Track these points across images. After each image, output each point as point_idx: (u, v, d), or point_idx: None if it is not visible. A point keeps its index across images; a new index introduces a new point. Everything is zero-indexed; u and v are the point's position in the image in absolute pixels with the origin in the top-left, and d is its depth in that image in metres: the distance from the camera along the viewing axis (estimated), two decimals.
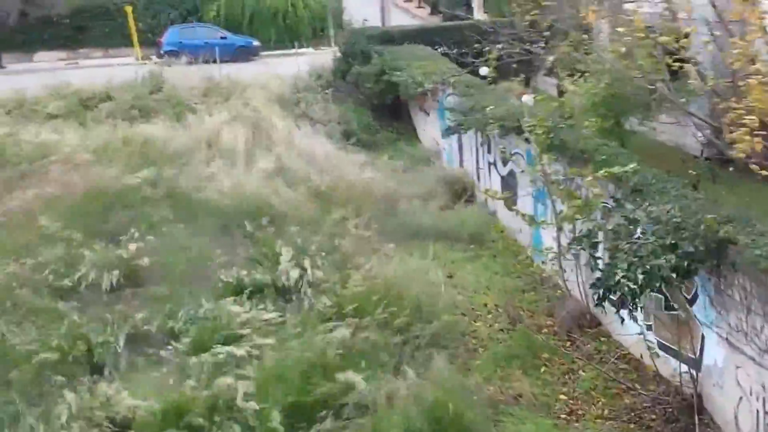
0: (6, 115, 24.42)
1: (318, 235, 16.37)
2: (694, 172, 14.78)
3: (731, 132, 12.38)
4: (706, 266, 10.90)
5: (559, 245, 14.71)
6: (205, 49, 32.27)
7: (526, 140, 15.20)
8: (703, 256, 10.75)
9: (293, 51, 36.35)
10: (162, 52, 35.88)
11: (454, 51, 26.23)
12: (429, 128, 25.98)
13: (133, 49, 37.67)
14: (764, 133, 11.99)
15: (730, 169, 13.70)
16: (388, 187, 19.98)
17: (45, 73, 29.56)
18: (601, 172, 13.43)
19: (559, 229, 14.73)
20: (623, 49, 14.74)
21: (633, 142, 17.89)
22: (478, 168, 21.15)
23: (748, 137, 11.75)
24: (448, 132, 21.94)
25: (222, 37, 37.41)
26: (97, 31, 40.79)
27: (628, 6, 15.03)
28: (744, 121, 11.74)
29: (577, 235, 13.94)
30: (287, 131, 23.49)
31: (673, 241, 10.99)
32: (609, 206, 13.71)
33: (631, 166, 13.24)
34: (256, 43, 38.70)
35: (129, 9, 37.95)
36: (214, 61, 30.33)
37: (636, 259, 11.58)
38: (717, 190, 14.30)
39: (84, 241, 16.09)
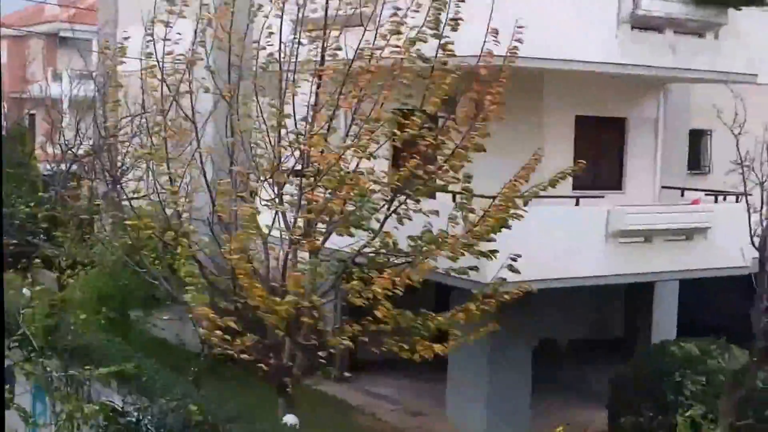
0: None
1: None
2: (196, 369, 14.91)
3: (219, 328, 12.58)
4: None
5: None
6: None
7: (23, 335, 14.42)
8: None
9: None
10: None
11: None
12: None
13: None
14: (257, 336, 12.39)
15: (228, 365, 14.01)
16: None
17: None
18: (102, 370, 13.06)
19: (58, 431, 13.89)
20: (128, 243, 14.66)
21: (137, 338, 17.68)
22: None
23: (239, 338, 12.05)
24: None
25: None
26: None
27: (134, 202, 15.10)
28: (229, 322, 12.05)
29: None
30: None
31: None
32: (115, 405, 13.32)
33: (130, 365, 13.08)
34: None
35: None
36: None
37: None
38: (220, 388, 14.49)
39: None
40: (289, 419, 12.38)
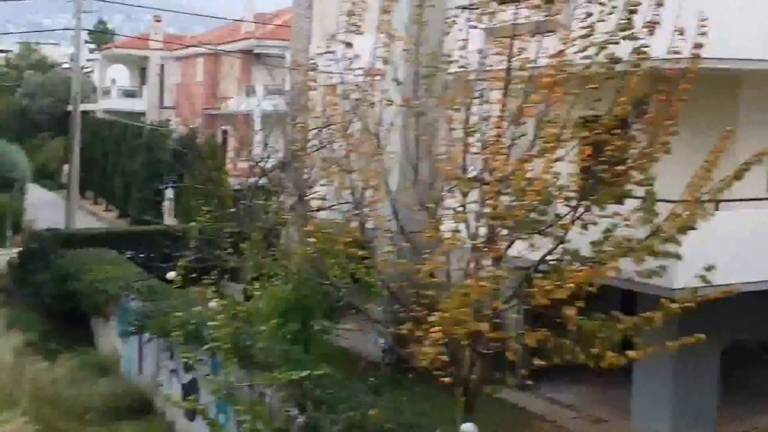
0: None
1: None
2: (374, 380, 15.01)
3: (412, 341, 12.61)
4: None
5: None
6: None
7: (210, 347, 14.89)
8: None
9: None
10: None
11: (142, 255, 25.80)
12: (109, 335, 24.91)
13: None
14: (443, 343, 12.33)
15: (409, 375, 14.01)
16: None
17: None
18: (280, 376, 13.35)
19: None
20: (312, 254, 14.92)
21: (319, 348, 17.98)
22: (158, 376, 20.32)
23: (433, 350, 11.99)
24: (126, 335, 21.11)
25: None
26: None
27: (319, 214, 15.43)
28: (432, 334, 11.96)
29: None
30: None
31: None
32: (292, 415, 13.53)
33: (305, 373, 13.29)
34: None
35: None
36: None
37: None
38: (398, 397, 14.51)
39: None
40: (468, 428, 12.28)
